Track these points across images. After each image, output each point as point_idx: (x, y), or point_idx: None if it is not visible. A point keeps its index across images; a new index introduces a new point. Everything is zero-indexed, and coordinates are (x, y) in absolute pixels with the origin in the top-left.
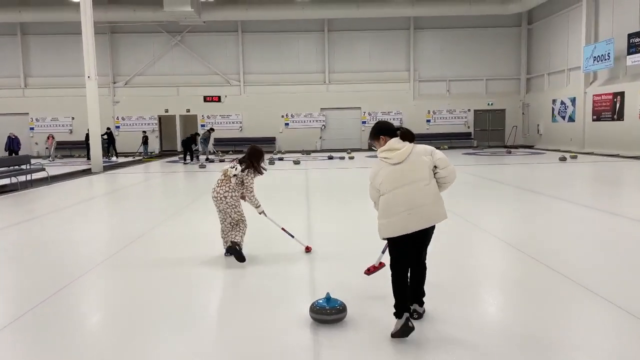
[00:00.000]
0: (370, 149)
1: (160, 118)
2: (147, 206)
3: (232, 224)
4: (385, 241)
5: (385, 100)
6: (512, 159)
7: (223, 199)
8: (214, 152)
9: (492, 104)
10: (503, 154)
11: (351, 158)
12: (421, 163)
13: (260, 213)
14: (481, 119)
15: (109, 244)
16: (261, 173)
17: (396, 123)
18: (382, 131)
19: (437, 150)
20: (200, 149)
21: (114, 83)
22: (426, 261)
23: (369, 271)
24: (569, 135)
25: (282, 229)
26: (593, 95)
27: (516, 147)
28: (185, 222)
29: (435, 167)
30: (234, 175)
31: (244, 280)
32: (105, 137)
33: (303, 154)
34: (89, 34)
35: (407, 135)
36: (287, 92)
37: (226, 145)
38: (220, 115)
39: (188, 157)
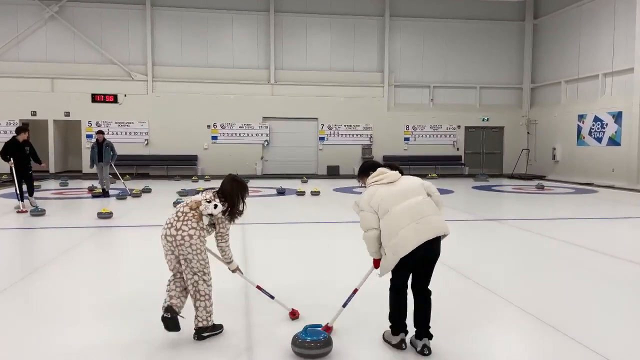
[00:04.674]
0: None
1: (24, 124)
2: None
3: (189, 283)
4: (350, 293)
5: (350, 109)
6: (576, 202)
7: (187, 239)
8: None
9: (487, 119)
10: (531, 189)
11: (315, 194)
12: (414, 181)
13: (234, 271)
14: (474, 138)
15: None
16: (238, 215)
17: (365, 140)
18: (372, 167)
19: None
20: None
21: None
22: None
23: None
24: (608, 164)
25: (258, 287)
26: None
27: (527, 177)
28: None
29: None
30: (210, 214)
31: None
32: None
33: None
34: None
35: (394, 167)
36: (216, 94)
37: (123, 167)
38: (116, 123)
39: (26, 192)
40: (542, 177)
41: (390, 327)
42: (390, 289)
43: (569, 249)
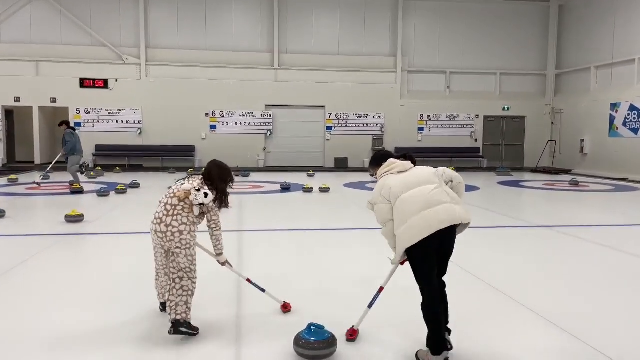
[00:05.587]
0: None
1: (7, 111)
2: None
3: (173, 277)
4: (374, 293)
5: (360, 97)
6: (625, 201)
7: (178, 235)
8: (84, 168)
9: (508, 108)
10: (564, 185)
11: (324, 190)
12: (426, 170)
13: (223, 263)
14: (493, 129)
15: None
16: (226, 205)
17: (376, 130)
18: (384, 158)
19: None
20: (70, 164)
21: None
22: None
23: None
24: None
25: (248, 280)
26: None
27: (554, 171)
28: None
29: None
30: (200, 204)
31: None
32: None
33: (237, 176)
34: None
35: (408, 157)
36: (215, 79)
37: (114, 158)
38: (107, 110)
39: None
40: (568, 171)
41: (431, 347)
42: (423, 304)
43: None
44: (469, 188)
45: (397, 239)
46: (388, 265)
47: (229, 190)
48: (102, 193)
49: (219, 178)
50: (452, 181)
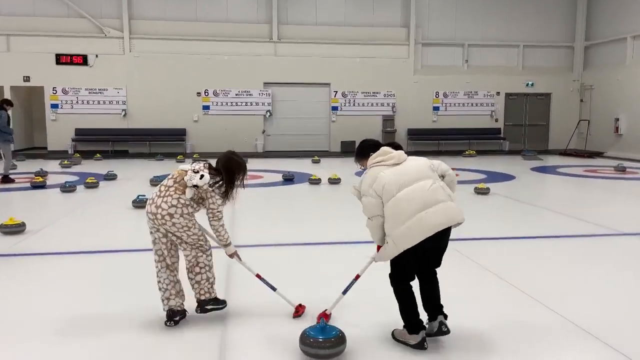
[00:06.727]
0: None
1: None
2: None
3: (189, 257)
4: (350, 280)
5: (369, 73)
6: None
7: (168, 218)
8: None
9: (532, 84)
10: (609, 171)
11: (334, 181)
12: (422, 163)
13: (231, 256)
14: (515, 107)
15: None
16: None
17: (386, 110)
18: (371, 148)
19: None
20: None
21: None
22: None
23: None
24: None
25: (257, 275)
26: None
27: (587, 154)
28: None
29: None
30: (194, 185)
31: None
32: None
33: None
34: None
35: (397, 147)
36: (208, 54)
37: (96, 143)
38: (87, 90)
39: None
40: (600, 154)
41: (405, 326)
42: (394, 282)
43: None
44: (500, 177)
45: (394, 240)
46: None
47: (238, 184)
48: (66, 188)
49: (232, 171)
50: (443, 176)
